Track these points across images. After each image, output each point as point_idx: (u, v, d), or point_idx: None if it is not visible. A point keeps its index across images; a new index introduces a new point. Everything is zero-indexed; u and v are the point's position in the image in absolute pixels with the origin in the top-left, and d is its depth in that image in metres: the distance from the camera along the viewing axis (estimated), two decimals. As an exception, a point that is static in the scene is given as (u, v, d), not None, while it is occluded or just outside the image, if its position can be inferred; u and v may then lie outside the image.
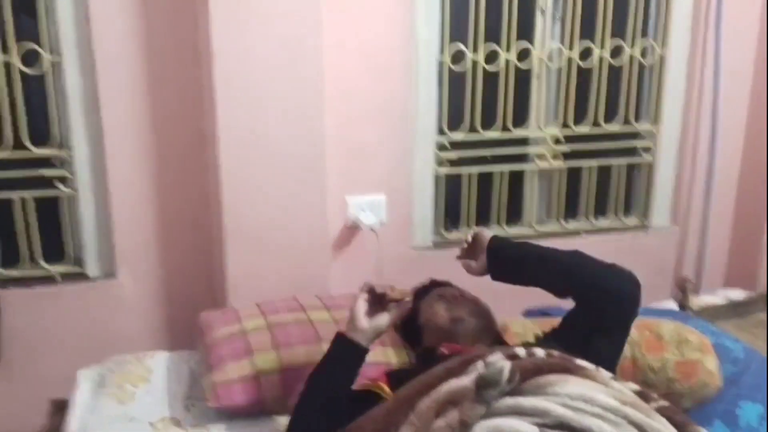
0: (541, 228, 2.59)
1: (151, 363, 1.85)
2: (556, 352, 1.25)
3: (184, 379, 1.81)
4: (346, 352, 1.45)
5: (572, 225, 2.63)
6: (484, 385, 1.11)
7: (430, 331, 1.57)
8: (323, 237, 2.16)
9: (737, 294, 2.54)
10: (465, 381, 1.13)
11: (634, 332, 1.68)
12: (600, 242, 2.59)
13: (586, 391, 1.11)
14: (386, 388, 1.39)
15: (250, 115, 1.97)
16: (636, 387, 1.19)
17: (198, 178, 2.12)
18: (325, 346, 1.66)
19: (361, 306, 1.45)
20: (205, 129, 2.06)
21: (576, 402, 1.09)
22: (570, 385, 1.12)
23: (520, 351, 1.23)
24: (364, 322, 1.44)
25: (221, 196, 2.01)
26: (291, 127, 2.02)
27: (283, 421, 1.62)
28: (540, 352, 1.24)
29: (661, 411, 1.13)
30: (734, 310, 2.55)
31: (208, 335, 1.80)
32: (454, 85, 2.34)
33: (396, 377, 1.41)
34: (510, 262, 1.54)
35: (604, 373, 1.21)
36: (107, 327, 2.14)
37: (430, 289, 1.66)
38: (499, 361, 1.16)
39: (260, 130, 2.00)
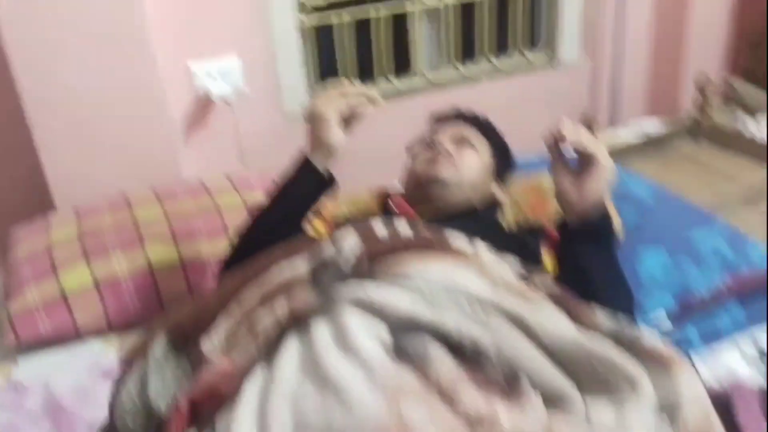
0: (434, 76, 2.30)
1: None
2: (429, 233, 0.97)
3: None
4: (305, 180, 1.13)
5: (470, 69, 2.35)
6: (319, 267, 0.89)
7: (406, 174, 1.28)
8: (163, 117, 1.79)
9: (653, 125, 2.29)
10: (300, 265, 0.91)
11: (518, 193, 1.41)
12: (503, 87, 2.36)
13: (451, 276, 0.85)
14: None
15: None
16: (523, 271, 0.96)
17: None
18: (149, 250, 1.39)
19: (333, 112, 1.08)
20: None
21: (434, 290, 0.83)
22: (431, 267, 0.86)
23: (381, 230, 0.97)
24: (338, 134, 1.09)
25: (14, 75, 1.59)
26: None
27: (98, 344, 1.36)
28: (407, 230, 0.97)
29: (553, 299, 0.89)
30: (652, 145, 2.31)
31: (10, 256, 1.47)
32: None
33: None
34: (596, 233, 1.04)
35: (486, 257, 0.94)
36: None
37: (445, 121, 1.32)
38: (348, 241, 0.93)
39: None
